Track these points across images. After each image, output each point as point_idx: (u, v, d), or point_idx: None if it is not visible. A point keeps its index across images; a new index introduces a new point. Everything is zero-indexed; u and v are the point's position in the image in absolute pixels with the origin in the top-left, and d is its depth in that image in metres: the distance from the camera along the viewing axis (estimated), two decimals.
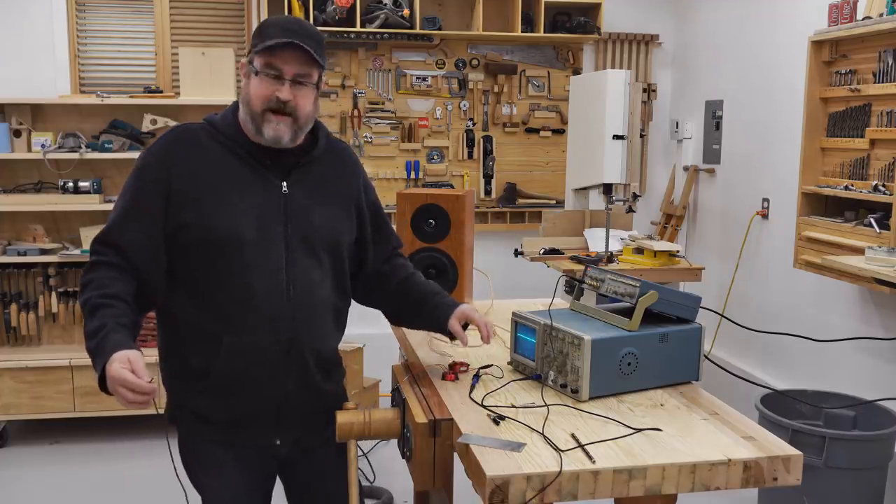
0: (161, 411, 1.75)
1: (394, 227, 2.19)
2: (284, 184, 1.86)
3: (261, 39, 1.79)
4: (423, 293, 2.06)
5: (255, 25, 4.86)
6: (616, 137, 3.94)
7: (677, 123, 5.26)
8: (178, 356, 1.90)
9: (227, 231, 1.79)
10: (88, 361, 4.68)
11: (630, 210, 4.09)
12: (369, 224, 2.04)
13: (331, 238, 1.92)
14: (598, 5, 4.98)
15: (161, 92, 4.46)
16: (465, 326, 2.01)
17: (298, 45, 1.76)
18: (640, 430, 1.67)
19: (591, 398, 1.84)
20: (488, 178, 5.20)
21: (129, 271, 1.79)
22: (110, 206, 4.13)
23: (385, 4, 4.78)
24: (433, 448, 1.74)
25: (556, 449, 1.56)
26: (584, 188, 4.33)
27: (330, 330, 1.97)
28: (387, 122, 5.08)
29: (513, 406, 1.81)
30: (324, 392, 1.97)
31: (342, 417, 1.88)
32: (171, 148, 1.86)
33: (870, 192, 3.31)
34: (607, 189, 4.01)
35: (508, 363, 2.10)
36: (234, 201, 1.81)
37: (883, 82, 3.28)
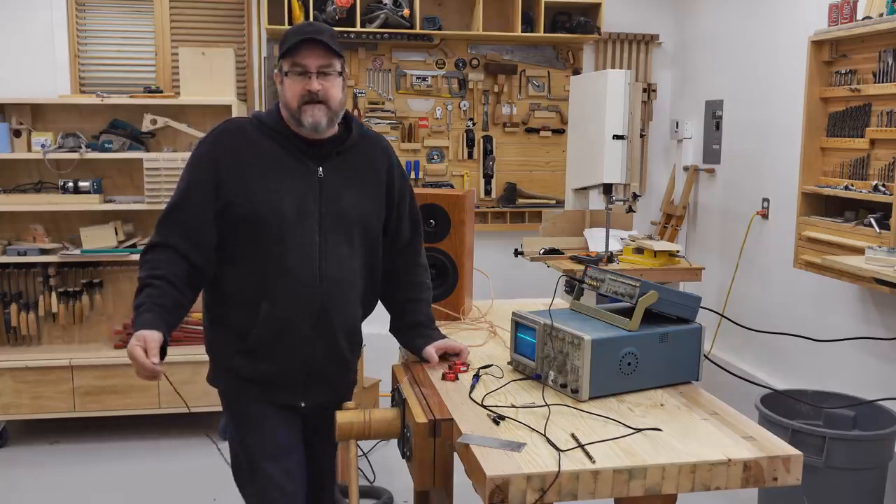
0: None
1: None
2: (321, 169, 2.06)
3: (282, 47, 2.01)
4: (418, 322, 2.23)
5: (255, 25, 4.89)
6: (616, 137, 3.94)
7: (677, 123, 5.26)
8: (222, 322, 2.10)
9: (269, 209, 2.00)
10: (88, 361, 4.68)
11: (630, 210, 4.09)
12: (395, 208, 2.19)
13: (360, 219, 2.10)
14: (598, 5, 4.98)
15: (161, 92, 4.46)
16: (445, 357, 2.16)
17: (315, 41, 1.98)
18: (640, 430, 1.67)
19: (591, 398, 1.84)
20: (488, 178, 5.20)
21: (181, 252, 2.00)
22: (110, 206, 4.19)
23: (385, 4, 4.78)
24: (433, 448, 1.74)
25: (556, 449, 1.56)
26: (584, 188, 4.33)
27: (356, 305, 2.14)
28: (387, 121, 5.08)
29: (513, 406, 1.81)
30: (346, 360, 2.15)
31: (342, 417, 1.88)
32: (220, 138, 2.07)
33: (870, 192, 3.31)
34: (607, 189, 4.01)
35: (508, 363, 2.10)
36: (276, 183, 2.02)
37: (883, 82, 3.28)
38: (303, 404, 2.12)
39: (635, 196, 4.05)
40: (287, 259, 2.01)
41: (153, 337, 1.84)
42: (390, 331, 2.30)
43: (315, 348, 2.06)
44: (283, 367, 2.07)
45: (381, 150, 2.18)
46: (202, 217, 2.02)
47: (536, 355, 1.97)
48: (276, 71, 2.08)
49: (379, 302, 2.27)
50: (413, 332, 2.22)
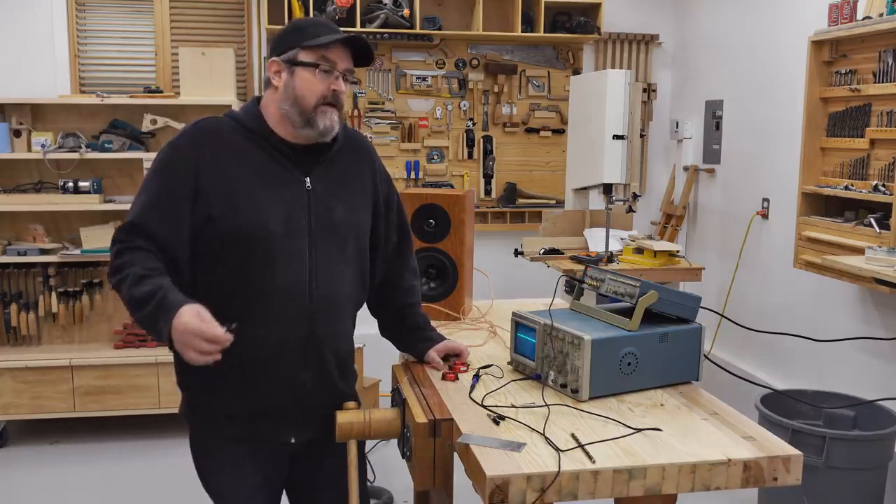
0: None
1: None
2: (308, 179, 1.88)
3: (304, 37, 1.83)
4: (417, 325, 2.15)
5: (255, 25, 4.88)
6: (616, 137, 3.94)
7: (677, 123, 5.26)
8: None
9: (256, 225, 1.80)
10: (88, 361, 4.63)
11: (630, 210, 4.09)
12: (382, 213, 2.05)
13: (352, 231, 1.95)
14: (598, 5, 4.98)
15: (161, 92, 4.46)
16: (445, 358, 2.11)
17: (351, 42, 1.84)
18: (640, 430, 1.66)
19: (591, 398, 1.84)
20: (488, 178, 5.20)
21: (159, 255, 1.78)
22: (110, 206, 4.18)
23: (385, 4, 4.78)
24: (433, 448, 1.74)
25: (556, 449, 1.56)
26: (584, 188, 4.32)
27: (348, 326, 2.00)
28: (387, 122, 5.08)
29: (513, 406, 1.80)
30: (340, 391, 1.98)
31: (342, 417, 1.88)
32: (197, 141, 1.84)
33: (870, 192, 3.31)
34: (607, 189, 4.01)
35: (508, 363, 2.10)
36: (262, 195, 1.82)
37: (883, 82, 3.28)
38: (293, 440, 1.95)
39: (635, 196, 4.05)
40: (275, 279, 1.82)
41: (204, 309, 1.65)
42: (384, 336, 2.19)
43: (305, 375, 1.89)
44: (270, 399, 1.89)
45: (364, 152, 2.02)
46: (175, 231, 1.79)
47: (536, 355, 1.97)
48: (278, 58, 1.85)
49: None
50: (414, 336, 2.14)
